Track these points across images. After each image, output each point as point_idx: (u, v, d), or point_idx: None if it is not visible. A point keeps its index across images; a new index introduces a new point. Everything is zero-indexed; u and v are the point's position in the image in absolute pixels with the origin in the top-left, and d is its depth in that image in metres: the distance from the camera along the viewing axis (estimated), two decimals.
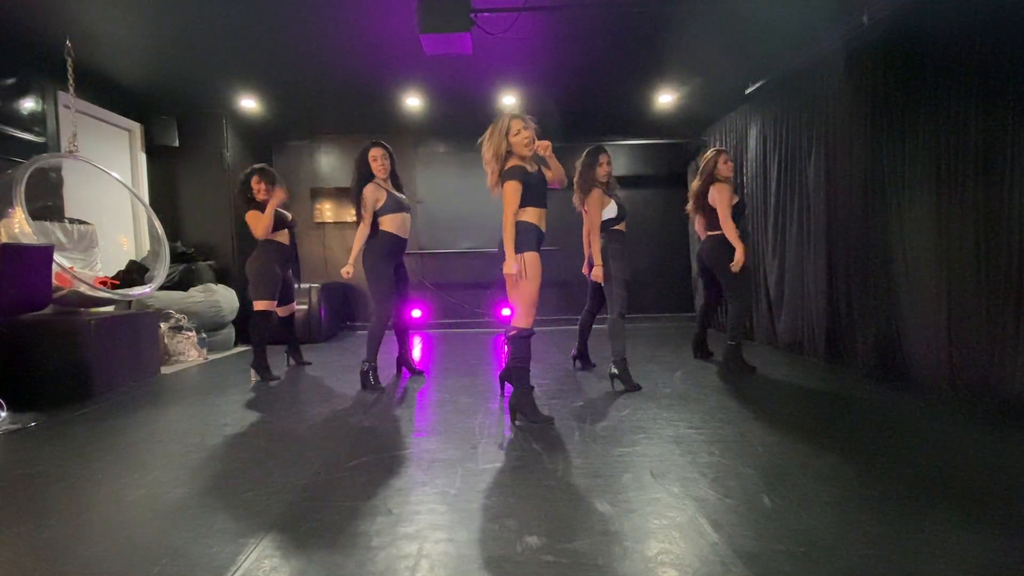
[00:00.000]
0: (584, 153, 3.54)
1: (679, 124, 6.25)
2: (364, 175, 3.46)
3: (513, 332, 2.66)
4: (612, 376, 3.34)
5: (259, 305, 3.79)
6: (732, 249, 3.72)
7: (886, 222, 3.43)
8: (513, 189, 2.63)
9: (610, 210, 3.50)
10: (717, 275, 3.89)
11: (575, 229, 3.90)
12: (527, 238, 2.65)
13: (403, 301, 3.76)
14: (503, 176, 2.67)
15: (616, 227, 3.52)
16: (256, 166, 3.99)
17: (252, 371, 3.80)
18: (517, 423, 2.65)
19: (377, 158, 3.46)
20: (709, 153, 3.89)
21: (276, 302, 3.87)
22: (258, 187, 3.86)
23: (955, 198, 2.96)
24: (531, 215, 2.68)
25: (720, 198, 3.72)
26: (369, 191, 3.42)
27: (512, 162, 2.69)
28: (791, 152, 4.44)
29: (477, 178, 2.82)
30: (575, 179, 3.55)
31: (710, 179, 3.80)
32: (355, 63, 4.58)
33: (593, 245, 3.40)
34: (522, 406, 2.65)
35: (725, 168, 3.78)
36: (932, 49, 3.05)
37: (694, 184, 3.95)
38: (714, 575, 1.35)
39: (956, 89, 2.91)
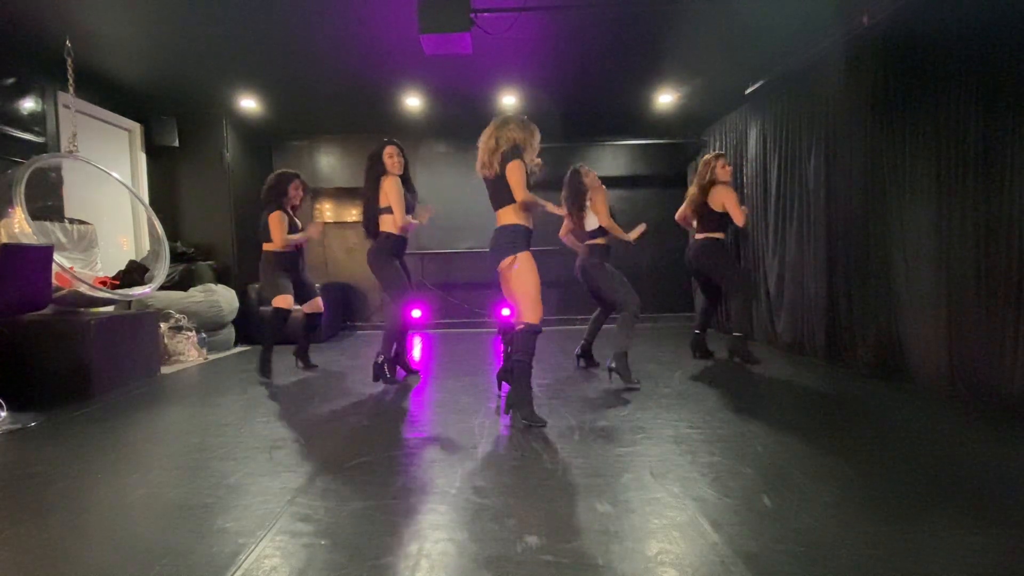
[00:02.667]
0: (567, 177, 3.63)
1: (679, 124, 6.25)
2: (380, 171, 3.49)
3: (521, 327, 2.66)
4: (610, 370, 3.37)
5: (277, 301, 3.82)
6: (719, 251, 3.89)
7: (886, 222, 3.43)
8: (521, 168, 2.62)
9: (592, 221, 3.57)
10: (712, 276, 3.96)
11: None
12: (521, 239, 2.67)
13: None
14: (512, 153, 2.64)
15: (598, 241, 3.58)
16: (294, 171, 4.11)
17: (296, 359, 4.04)
18: (511, 422, 2.65)
19: (393, 155, 3.51)
20: (707, 157, 3.96)
21: (292, 297, 3.89)
22: (296, 193, 3.98)
23: (955, 198, 2.96)
24: (519, 211, 2.68)
25: (728, 196, 3.79)
26: (396, 184, 3.44)
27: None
28: (791, 152, 4.44)
29: (477, 178, 2.83)
30: (565, 201, 3.62)
31: (710, 183, 3.85)
32: (355, 63, 4.58)
33: (614, 231, 3.54)
34: (519, 404, 2.65)
35: (723, 173, 3.87)
36: (932, 49, 3.06)
37: (692, 189, 4.05)
38: (714, 575, 1.35)
39: (956, 89, 2.91)
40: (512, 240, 2.67)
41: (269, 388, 3.60)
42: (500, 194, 2.70)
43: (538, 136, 2.78)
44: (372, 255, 3.53)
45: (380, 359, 3.49)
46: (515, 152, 2.64)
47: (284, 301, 3.83)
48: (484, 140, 2.76)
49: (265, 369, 3.82)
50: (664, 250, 6.78)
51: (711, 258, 3.92)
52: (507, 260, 2.66)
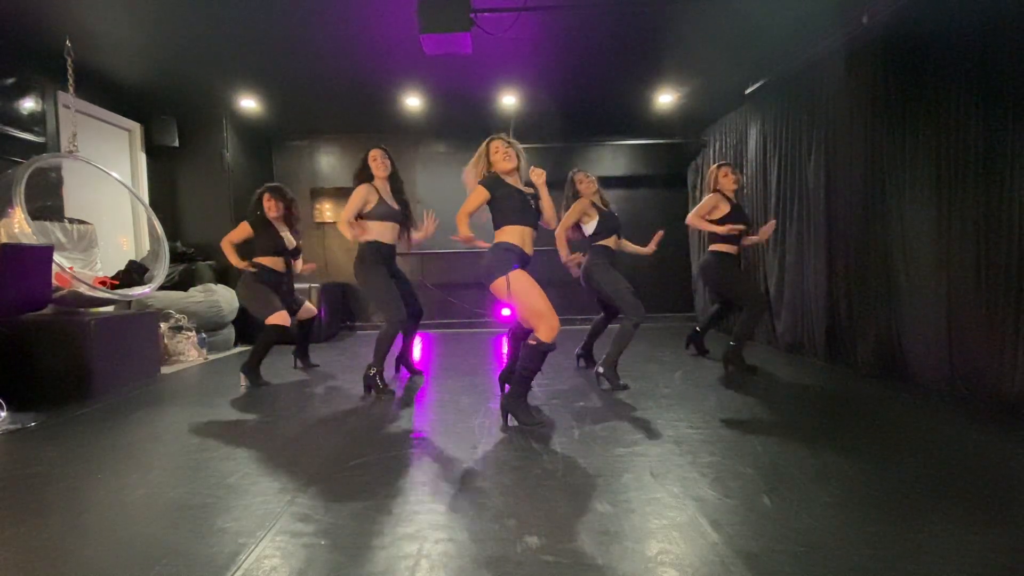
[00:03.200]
0: (566, 181, 3.69)
1: (679, 124, 6.25)
2: (365, 177, 3.44)
3: (533, 343, 2.55)
4: (598, 375, 3.40)
5: (272, 320, 3.63)
6: (722, 265, 3.80)
7: (886, 222, 3.43)
8: (477, 193, 2.67)
9: (589, 226, 3.58)
10: (720, 292, 3.99)
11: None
12: (507, 259, 2.60)
13: (409, 300, 3.65)
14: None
15: (600, 242, 3.58)
16: (269, 184, 3.95)
17: (241, 376, 3.66)
18: (508, 424, 2.63)
19: (376, 158, 3.43)
20: (712, 167, 3.95)
21: (286, 311, 3.71)
22: (268, 204, 3.82)
23: (955, 198, 2.96)
24: (511, 234, 2.66)
25: (701, 203, 3.81)
26: (360, 191, 3.34)
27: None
28: (791, 152, 4.44)
29: None
30: (564, 208, 3.65)
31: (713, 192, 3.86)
32: (355, 63, 4.58)
33: (559, 246, 3.58)
34: (513, 408, 2.61)
35: (726, 181, 3.82)
36: (932, 49, 3.06)
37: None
38: (714, 575, 1.35)
39: (956, 89, 2.92)
40: (499, 260, 2.60)
41: (268, 388, 3.60)
42: (493, 221, 2.76)
43: (494, 146, 2.77)
44: (355, 265, 3.39)
45: (372, 371, 3.30)
46: (480, 180, 2.73)
47: (281, 318, 3.64)
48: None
49: (256, 381, 3.63)
50: (664, 250, 6.76)
51: (715, 274, 3.84)
52: (499, 283, 2.58)
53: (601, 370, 3.37)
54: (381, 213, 3.39)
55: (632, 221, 6.17)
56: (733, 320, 4.51)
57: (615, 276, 3.45)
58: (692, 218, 3.81)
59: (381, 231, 3.40)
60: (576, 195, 3.61)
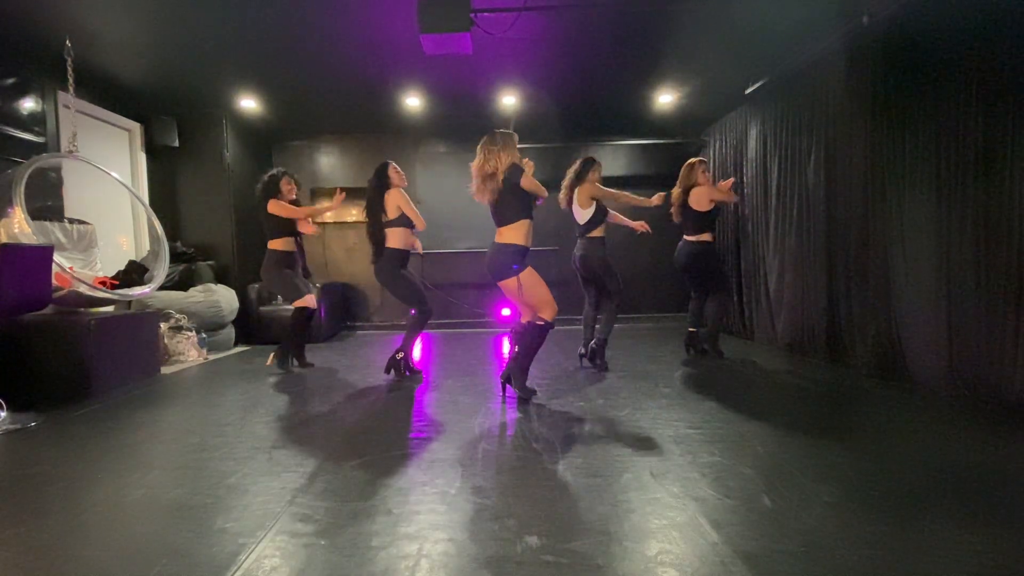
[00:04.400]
0: (579, 162, 3.88)
1: (679, 124, 6.25)
2: (385, 185, 3.68)
3: (540, 323, 2.98)
4: (592, 350, 3.84)
5: (300, 303, 3.95)
6: (707, 255, 4.14)
7: (886, 222, 3.43)
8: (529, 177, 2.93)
9: (586, 213, 3.80)
10: (700, 278, 4.23)
11: (574, 230, 3.98)
12: (520, 261, 2.93)
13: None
14: (516, 172, 2.89)
15: (594, 233, 3.82)
16: (282, 169, 4.19)
17: (272, 355, 4.02)
18: (505, 392, 3.12)
19: (399, 171, 3.75)
20: (692, 160, 4.21)
21: (312, 295, 4.02)
22: (288, 187, 4.06)
23: (955, 198, 2.96)
24: (522, 229, 2.94)
25: (703, 192, 4.05)
26: (404, 194, 3.66)
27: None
28: (791, 152, 4.44)
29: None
30: (567, 182, 3.89)
31: (691, 186, 4.10)
32: (355, 63, 4.58)
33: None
34: (515, 377, 3.04)
35: (703, 178, 4.10)
36: (932, 49, 3.06)
37: (675, 192, 4.24)
38: (714, 575, 1.35)
39: (956, 89, 2.92)
40: (511, 262, 2.91)
41: (269, 387, 3.60)
42: (501, 212, 2.95)
43: (515, 139, 3.02)
44: (383, 272, 3.67)
45: (400, 355, 3.69)
46: (517, 169, 2.90)
47: (309, 300, 3.96)
48: (476, 168, 3.01)
49: (284, 362, 3.99)
50: (663, 250, 6.76)
51: (699, 262, 4.14)
52: (511, 282, 2.91)
53: (593, 346, 3.76)
54: (405, 220, 3.67)
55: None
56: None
57: (612, 264, 3.84)
58: (730, 195, 4.15)
59: (405, 239, 3.71)
60: (581, 180, 3.83)
